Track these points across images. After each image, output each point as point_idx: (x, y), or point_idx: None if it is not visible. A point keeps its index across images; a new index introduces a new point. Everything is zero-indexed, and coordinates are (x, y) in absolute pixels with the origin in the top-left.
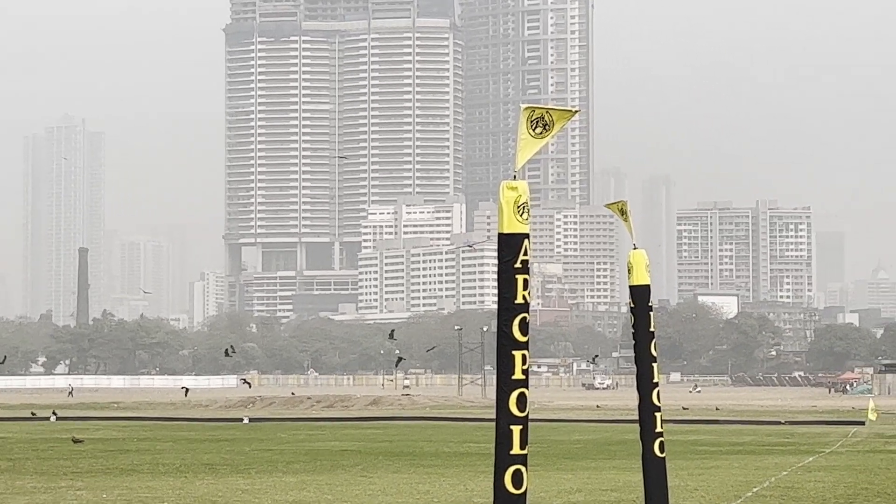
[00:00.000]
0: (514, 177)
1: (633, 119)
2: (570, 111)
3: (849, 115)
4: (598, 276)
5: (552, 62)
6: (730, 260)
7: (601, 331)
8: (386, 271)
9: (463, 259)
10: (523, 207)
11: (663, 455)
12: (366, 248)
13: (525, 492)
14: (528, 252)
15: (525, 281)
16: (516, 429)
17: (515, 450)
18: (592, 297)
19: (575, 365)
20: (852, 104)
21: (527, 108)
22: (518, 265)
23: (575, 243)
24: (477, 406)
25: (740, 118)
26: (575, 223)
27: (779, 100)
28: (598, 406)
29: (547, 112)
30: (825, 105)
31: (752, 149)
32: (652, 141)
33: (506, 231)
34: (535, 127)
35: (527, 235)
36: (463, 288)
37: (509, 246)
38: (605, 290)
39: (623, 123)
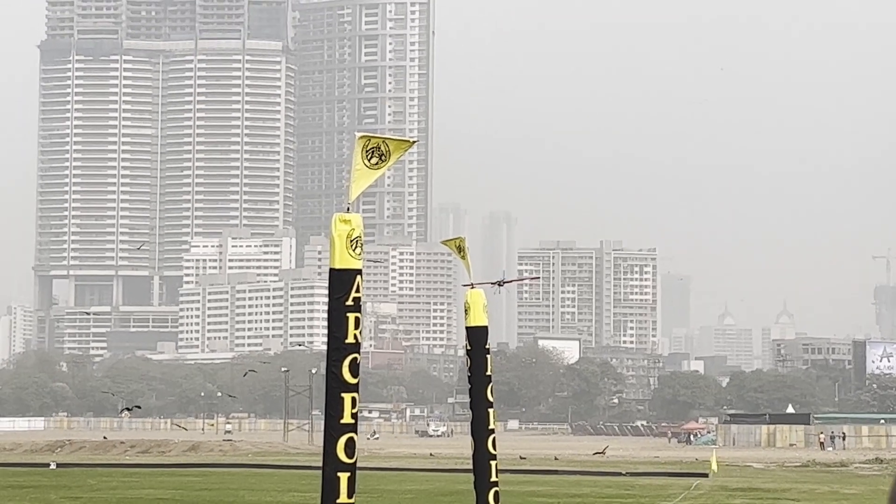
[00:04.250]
0: (348, 209)
1: (474, 153)
2: (408, 141)
3: (696, 156)
4: (435, 318)
5: (390, 90)
6: (572, 302)
7: (437, 375)
8: (209, 308)
9: (292, 297)
10: (356, 242)
11: None
12: (187, 283)
13: None
14: (361, 289)
15: (357, 319)
16: (344, 476)
17: (343, 499)
18: (428, 339)
19: (408, 411)
20: (699, 144)
21: (362, 137)
22: (350, 302)
23: (411, 282)
24: (303, 453)
25: (585, 155)
26: (411, 261)
27: (624, 137)
28: (431, 454)
29: (383, 142)
30: (671, 145)
31: (596, 188)
32: (493, 176)
33: (337, 266)
34: (371, 157)
35: (359, 271)
36: (291, 327)
37: (341, 282)
38: (442, 332)
39: (463, 157)
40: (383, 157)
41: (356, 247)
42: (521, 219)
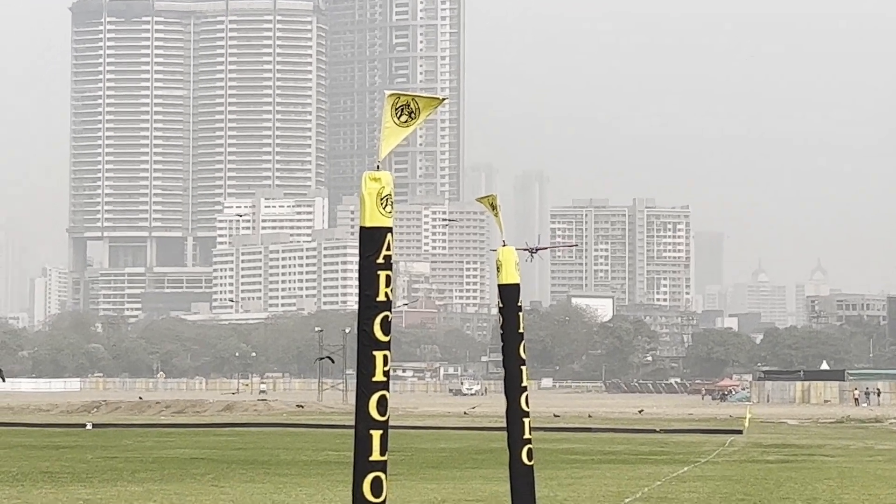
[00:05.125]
0: (378, 167)
1: (506, 111)
2: (437, 99)
3: (729, 112)
4: (468, 276)
5: (421, 49)
6: (605, 260)
7: (470, 333)
8: (242, 268)
9: (325, 256)
10: (387, 200)
11: (531, 463)
12: (221, 243)
13: (384, 501)
14: (392, 247)
15: (388, 277)
16: (376, 434)
17: (375, 456)
18: (461, 298)
19: (442, 370)
20: (731, 102)
21: (391, 95)
22: (380, 261)
23: (444, 241)
24: (337, 412)
25: (617, 113)
26: (444, 220)
27: (657, 95)
28: (465, 412)
29: (413, 99)
30: (703, 102)
31: (629, 146)
32: (525, 135)
33: (368, 224)
34: (401, 115)
35: (390, 229)
36: (325, 287)
37: (371, 240)
38: (475, 290)
39: (495, 116)
40: (413, 115)
41: (386, 204)
42: (554, 177)
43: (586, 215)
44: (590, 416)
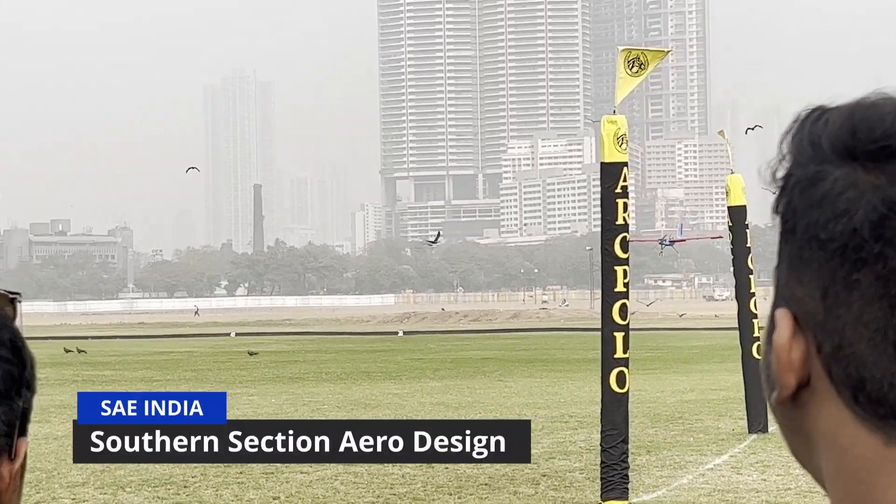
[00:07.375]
0: (614, 112)
1: (746, 56)
2: (663, 52)
3: None
4: (716, 199)
5: (671, 6)
6: None
7: (720, 248)
8: (524, 199)
9: (593, 187)
10: (622, 139)
11: (760, 357)
12: (506, 178)
13: (627, 391)
14: (627, 178)
15: (624, 204)
16: (619, 335)
17: (619, 354)
18: (712, 218)
19: (696, 279)
20: None
21: (624, 50)
22: (618, 190)
23: (695, 170)
24: None
25: (843, 52)
26: (694, 152)
27: (876, 40)
28: (716, 315)
29: (642, 53)
30: None
31: (856, 78)
32: (763, 76)
33: (607, 160)
34: (632, 67)
35: (625, 164)
36: (594, 212)
37: (610, 173)
38: (723, 211)
39: (737, 60)
40: (643, 66)
41: (622, 143)
42: (788, 112)
43: None
44: None
